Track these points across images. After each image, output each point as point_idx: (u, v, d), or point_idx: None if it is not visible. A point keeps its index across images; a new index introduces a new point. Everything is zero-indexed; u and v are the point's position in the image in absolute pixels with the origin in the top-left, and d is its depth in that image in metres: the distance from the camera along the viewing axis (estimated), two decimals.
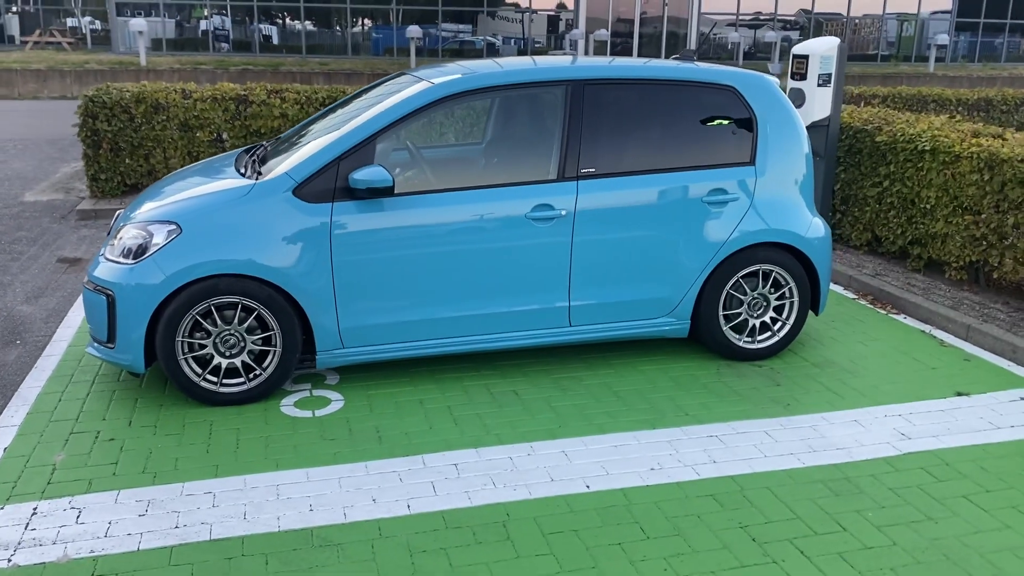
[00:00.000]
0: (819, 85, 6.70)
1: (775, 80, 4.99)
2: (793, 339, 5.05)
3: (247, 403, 4.36)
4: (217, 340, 4.26)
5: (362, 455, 3.88)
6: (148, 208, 4.43)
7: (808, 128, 6.88)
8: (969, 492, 3.64)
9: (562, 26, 31.56)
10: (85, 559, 3.10)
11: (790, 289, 4.96)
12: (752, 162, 4.83)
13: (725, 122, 4.78)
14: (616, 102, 4.67)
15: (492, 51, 30.23)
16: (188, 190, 4.50)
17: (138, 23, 21.49)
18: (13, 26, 34.18)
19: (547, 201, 4.49)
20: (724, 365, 4.94)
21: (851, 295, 6.28)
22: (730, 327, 4.95)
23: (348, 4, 29.22)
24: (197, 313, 4.19)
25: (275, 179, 4.29)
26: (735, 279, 4.86)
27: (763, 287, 4.93)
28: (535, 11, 31.17)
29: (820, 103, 6.72)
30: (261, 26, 30.79)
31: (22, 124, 14.94)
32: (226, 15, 31.61)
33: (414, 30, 22.92)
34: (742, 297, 4.91)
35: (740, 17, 30.95)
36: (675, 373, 4.82)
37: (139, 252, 4.19)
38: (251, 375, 4.34)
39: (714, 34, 30.31)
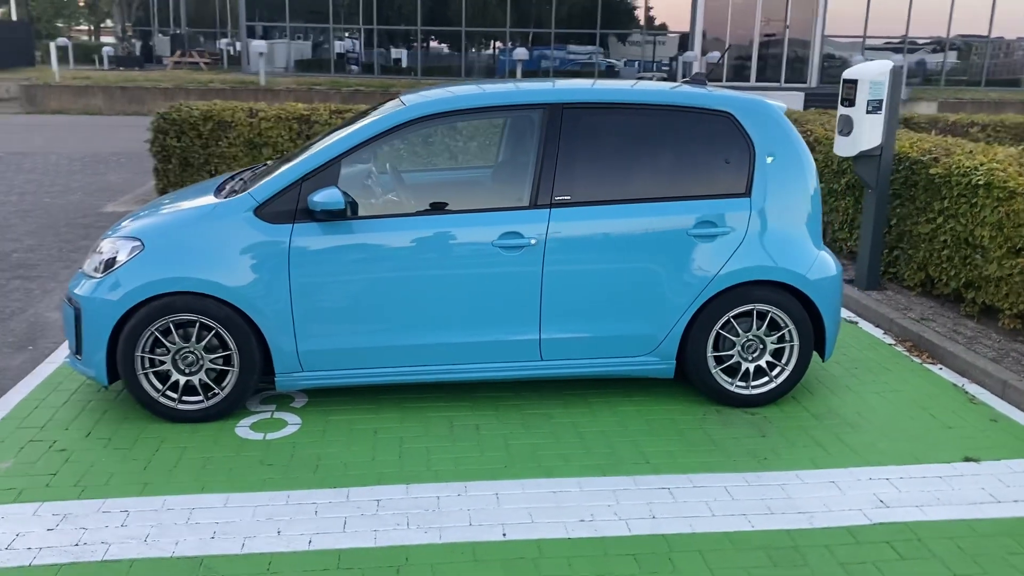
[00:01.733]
0: (868, 112, 6.20)
1: (780, 107, 4.63)
2: (793, 386, 4.65)
3: (206, 421, 4.36)
4: (176, 357, 4.28)
5: (291, 484, 3.79)
6: (124, 224, 4.52)
7: (857, 158, 6.39)
8: (930, 574, 3.20)
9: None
10: None
11: (789, 332, 4.56)
12: (747, 193, 4.48)
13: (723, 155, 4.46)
14: (597, 127, 4.44)
15: (611, 73, 30.01)
16: (163, 208, 4.56)
17: (259, 45, 22.53)
18: (164, 47, 36.63)
19: (516, 229, 4.31)
20: (713, 411, 4.59)
21: (889, 340, 5.75)
22: (721, 369, 4.60)
23: (463, 28, 29.73)
24: (157, 330, 4.22)
25: (238, 199, 4.29)
26: (726, 318, 4.51)
27: (758, 328, 4.56)
28: (663, 33, 30.81)
29: (870, 131, 6.22)
30: (393, 49, 31.79)
31: (135, 139, 15.82)
32: (357, 39, 32.86)
33: (520, 52, 23.05)
34: (734, 338, 4.56)
35: (868, 40, 29.61)
36: (653, 416, 4.51)
37: (107, 267, 4.27)
38: (209, 394, 4.34)
39: (829, 57, 29.08)
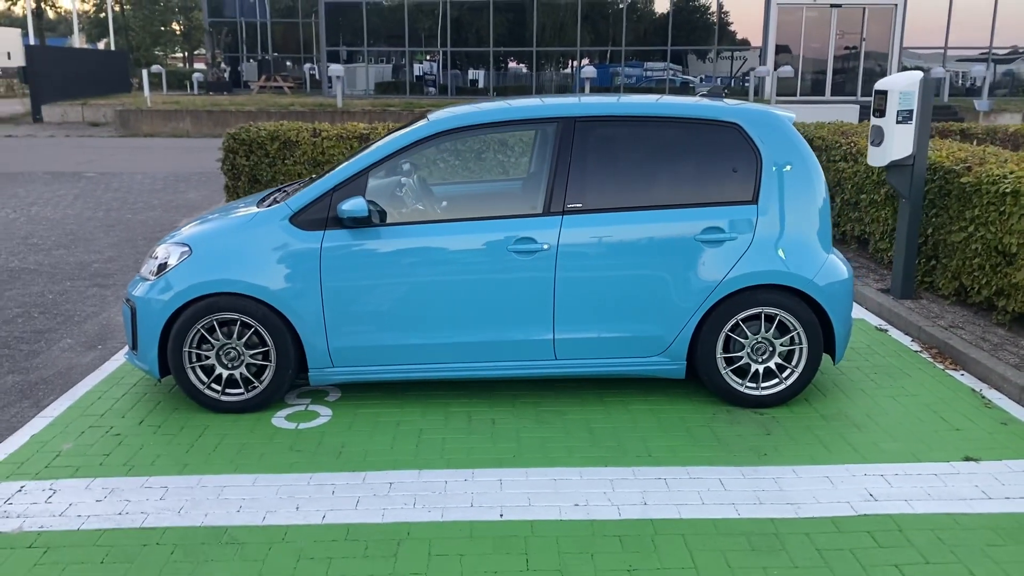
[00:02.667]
0: (898, 122, 6.27)
1: (788, 117, 4.79)
2: (803, 387, 4.78)
3: (246, 411, 4.75)
4: (220, 352, 4.69)
5: (315, 467, 4.13)
6: (179, 232, 4.97)
7: (889, 168, 6.46)
8: (905, 562, 3.32)
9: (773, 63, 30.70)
10: (31, 532, 3.56)
11: (798, 335, 4.70)
12: (754, 201, 4.66)
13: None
14: (608, 139, 4.68)
15: (685, 89, 30.04)
16: (212, 218, 5.00)
17: (336, 68, 23.41)
18: (252, 73, 38.22)
19: (529, 235, 4.58)
20: (724, 411, 4.76)
21: (916, 348, 5.79)
22: (731, 370, 4.76)
23: (535, 48, 30.21)
24: (202, 327, 4.64)
25: (275, 208, 4.69)
26: (734, 321, 4.68)
27: (767, 331, 4.71)
28: (736, 48, 30.70)
29: (900, 141, 6.28)
30: (471, 70, 32.59)
31: (216, 159, 16.72)
32: (434, 61, 33.80)
33: (588, 70, 23.35)
34: (743, 341, 4.72)
35: (950, 51, 28.90)
36: (665, 415, 4.71)
37: (160, 270, 4.71)
38: (250, 387, 4.73)
39: (914, 68, 28.44)
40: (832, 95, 28.60)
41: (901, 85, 6.24)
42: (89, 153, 18.38)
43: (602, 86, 32.25)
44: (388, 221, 4.63)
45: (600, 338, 4.69)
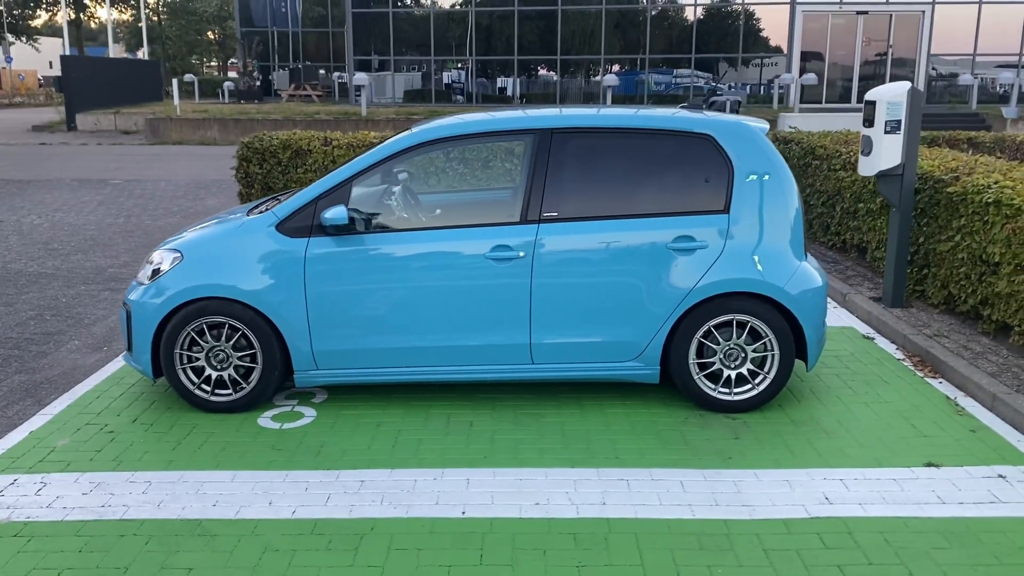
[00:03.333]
0: (886, 132, 6.33)
1: (761, 128, 4.90)
2: (775, 393, 4.87)
3: (234, 411, 4.94)
4: (209, 354, 4.89)
5: (292, 465, 4.30)
6: (173, 239, 5.19)
7: (879, 178, 6.52)
8: (848, 563, 3.41)
9: (794, 70, 30.64)
10: (18, 522, 3.76)
11: (770, 341, 4.80)
12: (726, 210, 4.77)
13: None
14: (584, 150, 4.82)
15: (713, 94, 30.11)
16: (206, 225, 5.21)
17: (361, 77, 23.77)
18: (282, 81, 38.80)
19: (506, 242, 4.73)
20: (696, 415, 4.87)
21: (899, 356, 5.85)
22: (704, 376, 4.87)
23: (559, 56, 30.38)
24: (193, 330, 4.84)
25: (263, 216, 4.89)
26: (706, 327, 4.79)
27: (738, 337, 4.81)
28: (761, 56, 30.67)
29: (888, 151, 6.34)
30: (500, 78, 32.90)
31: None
32: (461, 69, 34.17)
33: (610, 79, 23.48)
34: (715, 347, 4.83)
35: (979, 57, 28.58)
36: (639, 418, 4.82)
37: (154, 275, 4.93)
38: (238, 388, 4.92)
39: (939, 73, 28.19)
40: (859, 102, 28.42)
41: (888, 96, 6.30)
42: (117, 160, 18.86)
43: (627, 94, 32.38)
44: (371, 229, 4.80)
45: (576, 343, 4.82)
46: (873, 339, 6.23)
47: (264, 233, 4.82)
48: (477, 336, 4.82)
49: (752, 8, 30.41)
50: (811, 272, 4.85)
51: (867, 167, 6.54)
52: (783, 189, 4.81)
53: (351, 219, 4.68)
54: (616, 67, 31.83)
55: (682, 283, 4.72)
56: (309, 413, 4.95)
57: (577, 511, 3.82)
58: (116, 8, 59.36)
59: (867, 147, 6.50)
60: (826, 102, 28.22)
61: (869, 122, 6.46)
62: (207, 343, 4.86)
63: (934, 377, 5.43)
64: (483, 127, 4.91)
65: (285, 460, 4.36)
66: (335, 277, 4.76)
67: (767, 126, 5.00)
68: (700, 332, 4.79)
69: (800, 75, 26.81)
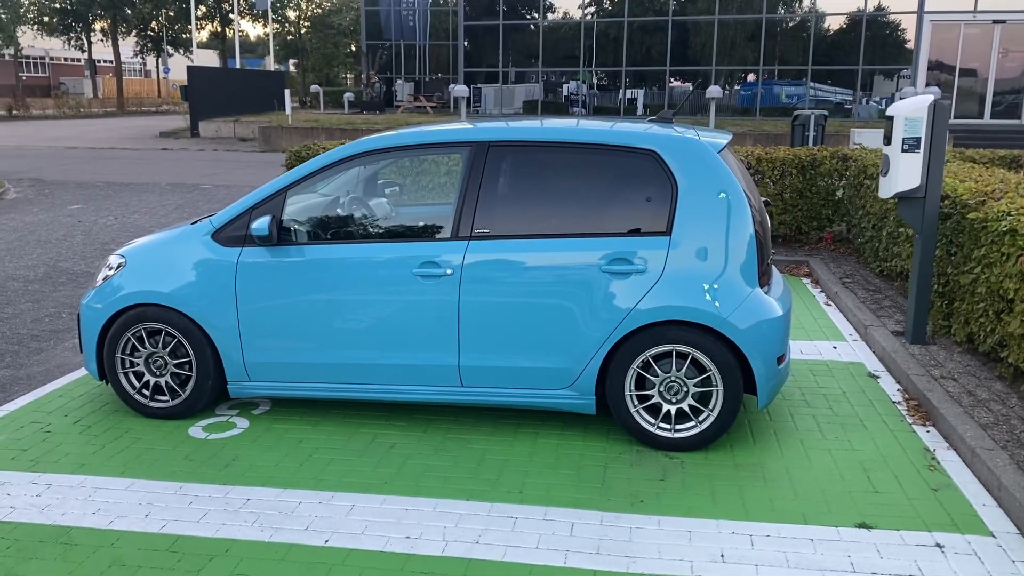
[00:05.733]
0: (904, 151, 5.74)
1: (713, 144, 4.50)
2: (721, 432, 4.45)
3: (171, 418, 4.96)
4: (148, 360, 4.92)
5: (192, 477, 4.25)
6: (126, 244, 5.27)
7: (899, 201, 5.92)
8: None
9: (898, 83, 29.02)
10: None
11: (713, 376, 4.40)
12: (668, 232, 4.41)
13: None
14: (519, 164, 4.57)
15: (838, 109, 28.76)
16: (155, 232, 5.26)
17: (461, 89, 23.94)
18: (404, 92, 39.79)
19: (433, 259, 4.54)
20: (634, 451, 4.52)
21: (897, 398, 5.27)
22: (644, 408, 4.52)
23: (667, 67, 29.78)
24: (133, 335, 4.89)
25: (200, 224, 4.89)
26: (644, 357, 4.44)
27: (678, 369, 4.43)
28: (886, 66, 29.13)
29: (905, 172, 5.75)
30: (628, 90, 32.71)
31: None
32: (582, 81, 34.16)
33: (714, 90, 22.76)
34: (653, 379, 4.47)
35: None
36: (568, 451, 4.52)
37: (102, 279, 5.01)
38: (175, 395, 4.93)
39: None
40: (992, 118, 26.46)
41: (907, 110, 5.72)
42: (219, 166, 19.73)
43: (742, 106, 31.39)
44: (301, 240, 4.71)
45: (505, 367, 4.57)
46: (878, 378, 5.65)
47: (200, 241, 4.82)
48: (405, 355, 4.64)
49: (876, 18, 28.88)
50: (764, 301, 4.42)
51: (885, 189, 5.96)
52: (733, 211, 4.40)
53: (279, 230, 4.61)
54: (752, 77, 30.94)
55: (616, 308, 4.39)
56: (241, 424, 4.90)
57: (443, 549, 3.58)
58: (259, 22, 62.53)
59: (885, 166, 5.93)
60: (954, 117, 26.37)
61: (888, 139, 5.89)
62: (146, 349, 4.90)
63: (924, 425, 4.85)
64: (418, 139, 4.74)
65: (188, 472, 4.31)
66: (265, 288, 4.70)
67: (724, 142, 4.61)
68: (638, 362, 4.45)
69: (925, 88, 25.17)
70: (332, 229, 4.80)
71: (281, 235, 4.70)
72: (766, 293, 4.48)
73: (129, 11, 54.10)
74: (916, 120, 5.70)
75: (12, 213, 12.97)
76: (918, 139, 5.71)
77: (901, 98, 24.47)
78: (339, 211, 5.00)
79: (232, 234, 4.77)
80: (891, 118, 5.83)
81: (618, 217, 4.47)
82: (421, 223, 4.74)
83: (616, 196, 4.49)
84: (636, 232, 4.43)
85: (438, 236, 4.61)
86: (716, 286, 4.35)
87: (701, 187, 4.41)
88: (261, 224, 4.58)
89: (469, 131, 4.68)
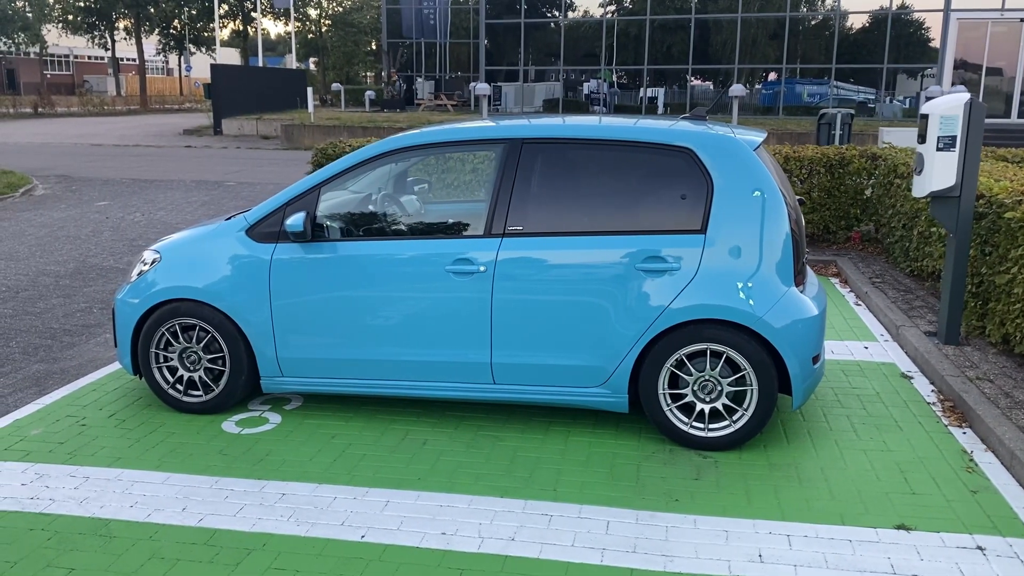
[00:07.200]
0: (939, 149, 5.68)
1: (749, 141, 4.48)
2: (755, 432, 4.43)
3: (204, 413, 4.99)
4: (182, 355, 4.95)
5: (228, 472, 4.27)
6: (162, 239, 5.30)
7: (932, 200, 5.87)
8: None
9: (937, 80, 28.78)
10: None
11: (748, 375, 4.37)
12: (703, 230, 4.39)
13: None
14: (553, 162, 4.56)
15: (861, 108, 28.56)
16: (190, 227, 5.29)
17: (482, 87, 23.98)
18: (425, 91, 39.87)
19: (467, 256, 4.54)
20: (666, 450, 4.50)
21: (932, 399, 5.22)
22: (678, 408, 4.50)
23: (689, 65, 29.64)
24: (167, 330, 4.92)
25: (234, 221, 4.91)
26: (678, 356, 4.42)
27: (713, 368, 4.41)
28: (911, 64, 28.89)
29: (940, 170, 5.69)
30: (650, 89, 32.65)
31: None
32: (603, 80, 34.11)
33: (737, 88, 22.63)
34: (688, 377, 4.45)
35: None
36: (600, 449, 4.51)
37: (137, 274, 5.05)
38: (208, 390, 4.96)
39: None
40: (1019, 117, 26.15)
41: (942, 108, 5.66)
42: (242, 164, 19.84)
43: (764, 104, 31.21)
44: (334, 236, 4.73)
45: (538, 365, 4.56)
46: (912, 378, 5.60)
47: (234, 238, 4.85)
48: (437, 351, 4.65)
49: (901, 16, 28.64)
50: (799, 300, 4.38)
51: (918, 187, 5.90)
52: (769, 209, 4.38)
53: (312, 226, 4.63)
54: (772, 75, 30.77)
55: (650, 307, 4.38)
56: (274, 419, 4.92)
57: (479, 545, 3.58)
58: (281, 20, 62.85)
59: (919, 165, 5.87)
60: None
61: (922, 138, 5.83)
62: (180, 344, 4.93)
63: (960, 426, 4.80)
64: (452, 136, 4.74)
65: (223, 466, 4.33)
66: (299, 284, 4.72)
67: (759, 139, 4.58)
68: (671, 360, 4.43)
69: (951, 87, 24.92)
70: (365, 226, 4.81)
71: (315, 231, 4.72)
72: (801, 292, 4.45)
73: (152, 9, 54.51)
74: (951, 118, 5.64)
75: (40, 209, 13.11)
76: (953, 137, 5.66)
77: (928, 97, 24.26)
78: (372, 208, 5.01)
79: (266, 230, 4.79)
80: (926, 116, 5.78)
81: (652, 215, 4.45)
82: (453, 220, 4.74)
83: (650, 193, 4.47)
84: (670, 230, 4.41)
85: (471, 233, 4.61)
86: (751, 285, 4.33)
87: (737, 185, 4.39)
88: (296, 220, 4.59)
89: (503, 128, 4.68)
